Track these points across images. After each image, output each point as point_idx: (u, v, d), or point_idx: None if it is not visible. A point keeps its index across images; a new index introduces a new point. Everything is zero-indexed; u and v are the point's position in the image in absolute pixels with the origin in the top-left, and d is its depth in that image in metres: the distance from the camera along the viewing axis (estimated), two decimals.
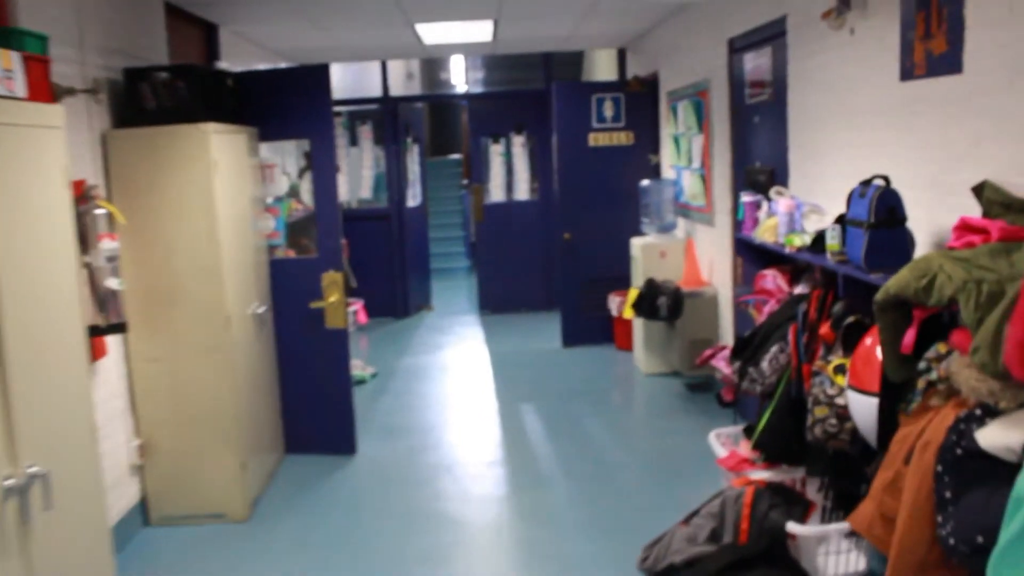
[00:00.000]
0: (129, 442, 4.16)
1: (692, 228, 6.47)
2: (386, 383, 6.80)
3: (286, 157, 5.86)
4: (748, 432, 4.23)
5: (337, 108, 9.00)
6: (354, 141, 9.06)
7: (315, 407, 5.12)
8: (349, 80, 10.11)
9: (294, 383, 5.10)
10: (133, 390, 4.18)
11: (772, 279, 4.18)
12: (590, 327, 7.59)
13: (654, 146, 7.45)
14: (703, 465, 4.64)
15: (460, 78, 14.04)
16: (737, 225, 5.02)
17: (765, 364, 3.67)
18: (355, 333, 8.61)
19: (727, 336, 5.75)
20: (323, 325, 4.99)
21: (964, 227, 2.36)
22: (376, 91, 9.07)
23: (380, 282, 9.09)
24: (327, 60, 7.74)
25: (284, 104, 4.87)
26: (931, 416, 2.32)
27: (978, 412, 2.11)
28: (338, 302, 4.98)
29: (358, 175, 9.10)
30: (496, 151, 9.14)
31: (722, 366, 4.26)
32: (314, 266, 4.96)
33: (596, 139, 7.41)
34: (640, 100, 7.42)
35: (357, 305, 8.90)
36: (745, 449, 4.07)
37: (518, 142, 9.11)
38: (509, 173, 9.22)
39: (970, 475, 2.04)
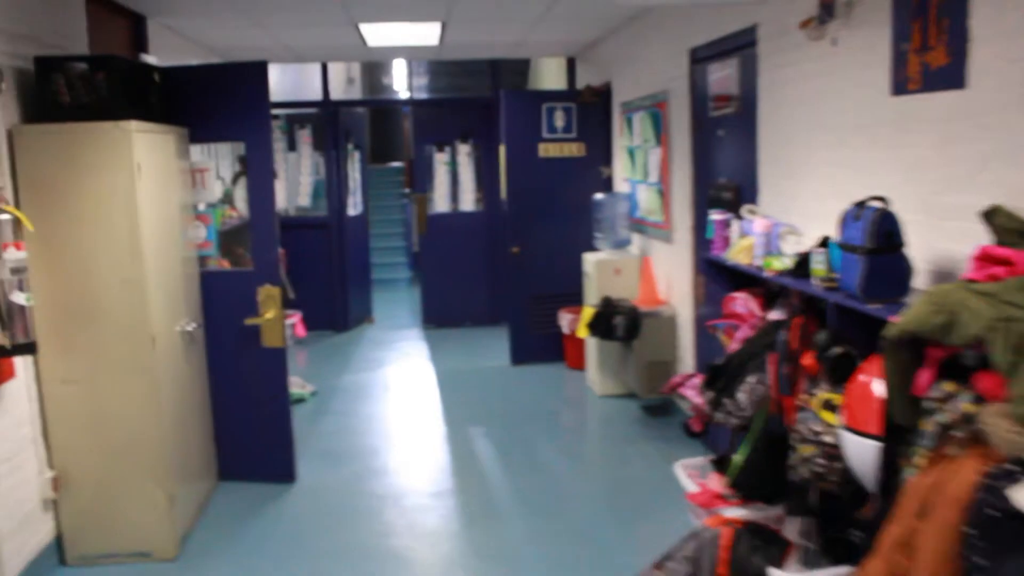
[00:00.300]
0: (41, 474, 3.72)
1: (648, 245, 6.24)
2: (327, 402, 6.40)
3: (221, 161, 5.46)
4: (718, 464, 3.99)
5: (275, 111, 8.58)
6: (292, 146, 8.64)
7: (251, 431, 4.72)
8: (288, 82, 9.68)
9: (228, 406, 4.69)
10: (45, 416, 3.74)
11: (743, 303, 3.94)
12: (540, 344, 7.32)
13: (606, 158, 7.22)
14: (666, 497, 4.39)
15: (403, 84, 13.65)
16: (704, 244, 4.80)
17: (742, 395, 3.42)
18: (293, 348, 8.18)
19: (687, 358, 5.53)
20: (259, 343, 4.61)
21: (986, 257, 2.14)
22: (316, 94, 8.66)
23: (319, 293, 8.68)
24: (265, 59, 7.35)
25: (217, 103, 4.49)
26: (949, 466, 2.08)
27: (1011, 467, 1.87)
28: (275, 318, 4.60)
29: (296, 181, 8.68)
30: (441, 160, 8.82)
31: (691, 395, 4.02)
32: (249, 279, 4.58)
33: (546, 150, 7.15)
34: (592, 111, 7.19)
35: (295, 318, 8.46)
36: (716, 483, 3.82)
37: (464, 151, 8.80)
38: (454, 183, 8.91)
39: (1009, 539, 1.80)
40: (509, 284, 7.27)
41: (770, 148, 4.11)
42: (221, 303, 4.61)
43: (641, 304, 5.84)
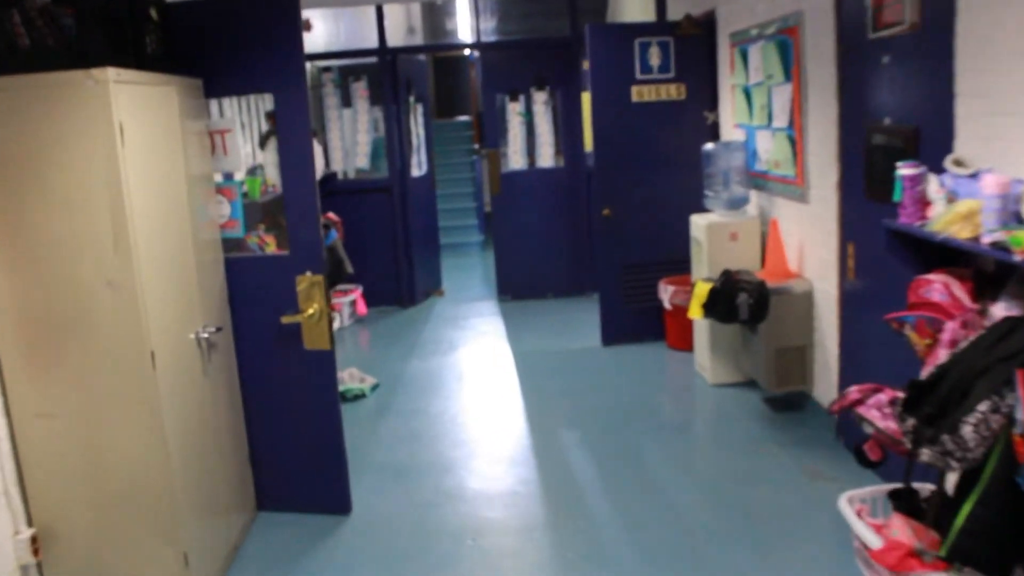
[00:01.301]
0: (17, 534, 2.90)
1: (771, 204, 5.13)
2: (390, 398, 5.51)
3: (255, 119, 4.53)
4: (900, 501, 2.96)
5: (326, 62, 7.64)
6: (347, 101, 7.69)
7: (295, 453, 3.85)
8: (340, 31, 8.72)
9: (266, 423, 3.82)
10: (19, 461, 2.91)
11: (943, 288, 2.86)
12: (636, 321, 6.29)
13: (711, 101, 6.08)
14: (814, 529, 3.38)
15: (468, 28, 12.50)
16: (855, 203, 3.70)
17: (968, 430, 2.37)
18: (353, 328, 7.34)
19: (828, 344, 4.45)
20: (301, 345, 3.70)
21: None
22: (372, 42, 7.66)
23: (382, 265, 7.80)
24: (306, 4, 6.41)
25: (238, 46, 3.54)
26: None
27: None
28: (319, 314, 3.67)
29: (353, 141, 7.75)
30: (514, 110, 7.77)
31: (877, 418, 2.97)
32: (286, 266, 3.66)
33: (640, 93, 6.04)
34: (692, 45, 6.03)
35: (355, 294, 7.61)
36: (903, 530, 2.79)
37: (540, 99, 7.73)
38: (530, 136, 7.85)
39: None
40: (598, 251, 6.24)
41: (976, 76, 2.97)
42: (253, 297, 3.71)
43: (767, 278, 4.76)
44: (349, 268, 7.15)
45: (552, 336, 6.72)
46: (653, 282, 6.16)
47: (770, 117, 4.93)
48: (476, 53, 14.04)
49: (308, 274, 3.64)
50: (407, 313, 7.78)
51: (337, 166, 7.75)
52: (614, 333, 6.31)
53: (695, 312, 4.87)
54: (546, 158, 7.82)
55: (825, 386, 4.58)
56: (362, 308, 7.51)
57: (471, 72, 12.99)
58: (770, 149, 4.97)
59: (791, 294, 4.65)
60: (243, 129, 5.66)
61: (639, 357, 6.02)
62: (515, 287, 7.94)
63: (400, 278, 7.84)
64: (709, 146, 5.44)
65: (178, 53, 3.49)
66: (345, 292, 7.57)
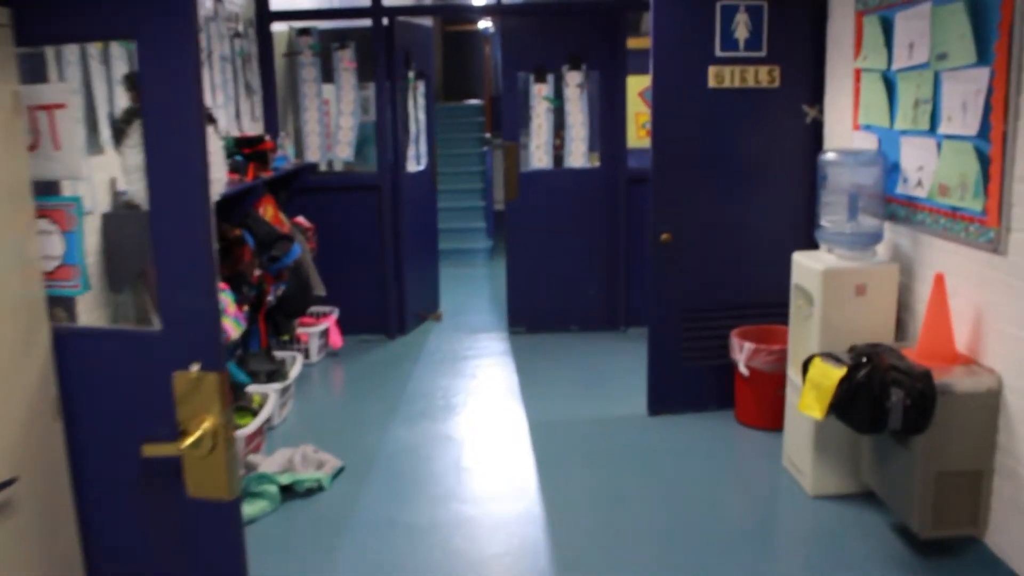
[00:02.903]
0: None
1: (922, 247, 3.53)
2: (357, 494, 3.90)
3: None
4: None
5: (302, 23, 6.00)
6: (328, 75, 6.06)
7: None
8: None
9: None
10: None
11: None
12: (695, 382, 4.71)
13: (813, 91, 4.47)
14: None
15: None
16: None
17: None
18: (324, 366, 5.73)
19: (1023, 472, 2.85)
20: (183, 493, 2.09)
21: None
22: (361, 1, 6.02)
23: (365, 283, 6.20)
24: None
25: None
26: None
27: None
28: (213, 439, 2.05)
29: (335, 125, 6.12)
30: (540, 94, 6.13)
31: None
32: (153, 352, 2.04)
33: (720, 76, 4.43)
34: (794, 14, 4.42)
35: (328, 321, 6.01)
36: None
37: (573, 81, 6.09)
38: (559, 127, 6.23)
39: None
40: (651, 289, 4.63)
41: None
42: (102, 405, 2.10)
43: (923, 361, 3.16)
44: (320, 290, 5.56)
45: (580, 394, 5.12)
46: (723, 334, 4.57)
47: (935, 119, 3.32)
48: (491, 28, 12.43)
49: (195, 369, 2.02)
50: (394, 346, 6.17)
51: (313, 156, 6.13)
52: (665, 398, 4.72)
53: (813, 409, 3.26)
54: (578, 156, 6.18)
55: (1012, 533, 2.99)
56: (336, 339, 5.90)
57: (485, 49, 11.33)
58: (933, 167, 3.36)
59: (964, 393, 3.04)
60: (91, 107, 3.80)
61: (700, 437, 4.43)
62: (530, 316, 6.33)
63: (387, 299, 6.23)
64: (830, 155, 3.81)
65: None
66: (316, 318, 5.96)
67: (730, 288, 4.63)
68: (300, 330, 5.64)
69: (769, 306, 4.61)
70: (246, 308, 4.32)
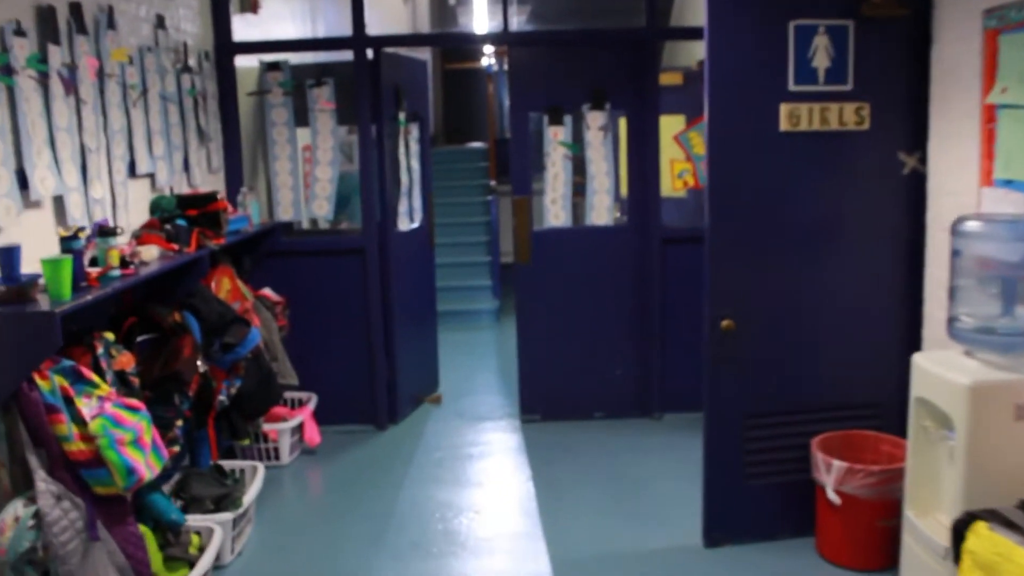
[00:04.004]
0: None
1: None
2: None
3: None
4: None
5: (270, 56, 5.05)
6: (302, 118, 5.08)
7: None
8: (296, 11, 6.17)
9: None
10: None
11: None
12: (762, 502, 3.66)
13: (912, 135, 3.48)
14: None
15: (488, 17, 9.76)
16: None
17: None
18: (295, 471, 4.65)
19: None
20: None
21: None
22: (343, 29, 5.06)
23: (349, 363, 5.19)
24: None
25: None
26: None
27: None
28: None
29: (311, 177, 5.13)
30: (555, 139, 5.15)
31: None
32: None
33: (794, 117, 3.44)
34: (887, 36, 3.45)
35: (303, 413, 4.97)
36: None
37: (595, 123, 5.10)
38: (579, 174, 5.24)
39: None
40: (709, 388, 3.59)
41: None
42: None
43: None
44: (291, 378, 4.55)
45: (614, 511, 4.06)
46: (798, 443, 3.56)
47: None
48: (494, 65, 11.55)
49: None
50: (385, 440, 5.12)
51: (286, 214, 5.13)
52: (726, 524, 3.66)
53: None
54: (601, 212, 5.18)
55: None
56: (313, 434, 4.86)
57: (488, 88, 10.42)
58: None
59: None
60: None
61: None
62: (547, 400, 5.29)
63: (376, 382, 5.20)
64: (971, 224, 2.80)
65: None
66: (291, 408, 4.94)
67: (807, 386, 3.60)
68: (268, 426, 4.60)
69: (856, 407, 3.62)
70: (180, 424, 3.29)
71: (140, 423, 2.75)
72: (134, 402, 2.83)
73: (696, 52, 6.62)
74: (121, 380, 3.14)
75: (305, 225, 5.36)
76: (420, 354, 5.70)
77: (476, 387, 6.12)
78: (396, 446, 5.00)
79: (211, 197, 4.02)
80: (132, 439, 2.69)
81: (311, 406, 4.95)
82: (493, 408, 5.64)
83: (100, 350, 3.06)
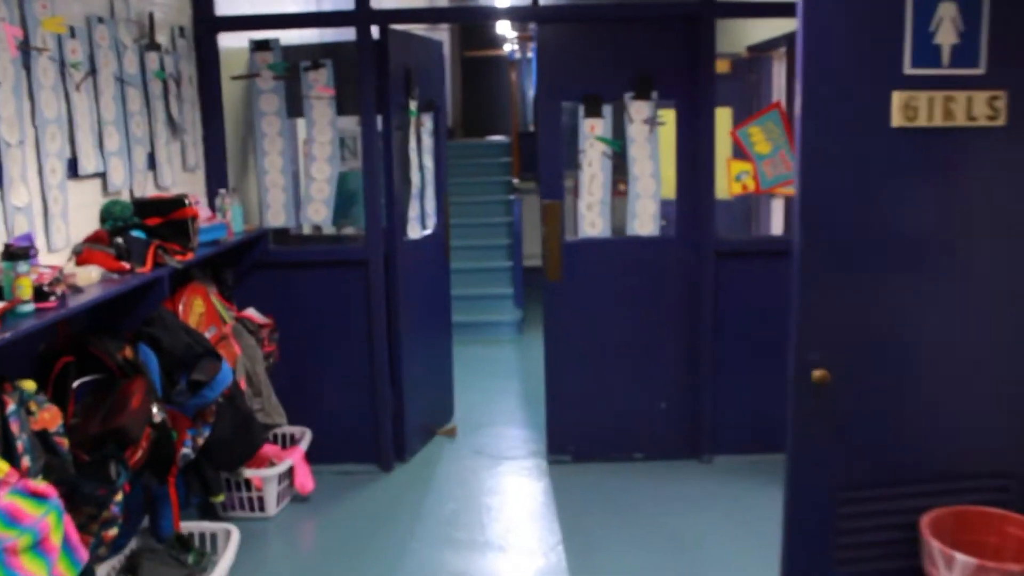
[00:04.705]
0: None
1: None
2: None
3: None
4: None
5: (260, 34, 4.33)
6: (295, 107, 4.35)
7: None
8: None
9: None
10: None
11: None
12: None
13: None
14: None
15: None
16: None
17: None
18: (281, 523, 3.88)
19: None
20: None
21: None
22: (345, 2, 4.31)
23: (350, 392, 4.48)
24: None
25: None
26: None
27: None
28: None
29: (306, 177, 4.40)
30: (591, 132, 4.38)
31: None
32: None
33: (910, 108, 2.66)
34: None
35: (294, 454, 4.23)
36: None
37: (639, 115, 4.33)
38: (617, 174, 4.48)
39: None
40: (795, 456, 2.82)
41: None
42: None
43: None
44: (278, 418, 3.83)
45: None
46: (903, 522, 2.79)
47: None
48: (517, 53, 10.79)
49: None
50: (389, 484, 4.40)
51: (276, 219, 4.40)
52: None
53: None
54: (645, 220, 4.41)
55: None
56: (306, 480, 4.14)
57: (511, 76, 9.66)
58: None
59: None
60: None
61: None
62: (578, 438, 4.55)
63: (380, 413, 4.48)
64: None
65: None
66: (283, 448, 4.23)
67: (918, 450, 2.84)
68: (251, 472, 3.88)
69: (977, 477, 2.85)
70: (119, 498, 2.57)
71: (46, 518, 2.04)
72: (41, 487, 2.11)
73: (747, 36, 5.84)
74: (44, 444, 2.43)
75: (307, 230, 4.64)
76: (432, 379, 4.98)
77: (496, 415, 5.38)
78: (402, 492, 4.28)
79: (177, 202, 3.31)
80: (31, 543, 1.97)
81: (304, 445, 4.23)
82: (516, 443, 4.90)
83: (11, 407, 2.35)
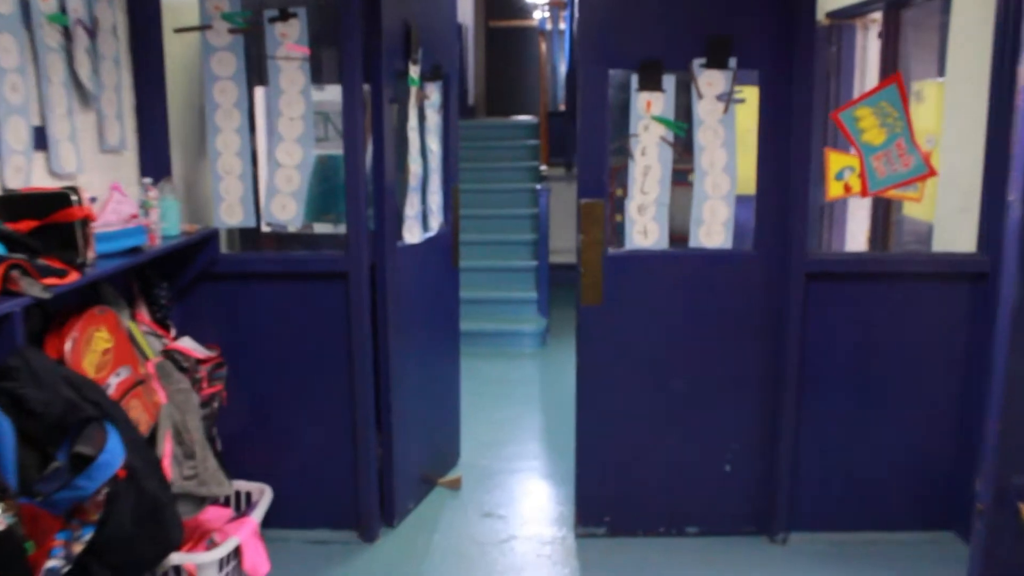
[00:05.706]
0: None
1: None
2: None
3: None
4: None
5: None
6: (259, 74, 3.33)
7: None
8: None
9: None
10: None
11: None
12: None
13: None
14: None
15: None
16: None
17: None
18: None
19: None
20: None
21: None
22: None
23: (323, 440, 3.49)
24: None
25: None
26: None
27: None
28: None
29: (271, 163, 3.38)
30: (646, 111, 3.31)
31: None
32: None
33: None
34: None
35: (244, 528, 3.26)
36: None
37: (711, 89, 3.27)
38: (680, 165, 3.42)
39: None
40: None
41: None
42: None
43: None
44: (216, 486, 2.84)
45: None
46: None
47: None
48: (547, 22, 9.73)
49: None
50: (369, 561, 3.40)
51: (231, 216, 3.39)
52: None
53: None
54: (715, 229, 3.35)
55: None
56: (258, 562, 3.14)
57: (541, 48, 8.61)
58: None
59: None
60: None
61: None
62: (617, 506, 3.53)
63: (360, 466, 3.48)
64: None
65: None
66: (236, 512, 3.23)
67: None
68: (182, 556, 2.89)
69: None
70: None
71: None
72: None
73: (825, 1, 4.83)
74: None
75: (265, 229, 3.64)
76: (432, 417, 3.98)
77: (512, 459, 4.37)
78: (387, 573, 3.28)
79: (60, 198, 2.31)
80: None
81: (259, 513, 3.23)
82: (536, 503, 3.90)
83: None
